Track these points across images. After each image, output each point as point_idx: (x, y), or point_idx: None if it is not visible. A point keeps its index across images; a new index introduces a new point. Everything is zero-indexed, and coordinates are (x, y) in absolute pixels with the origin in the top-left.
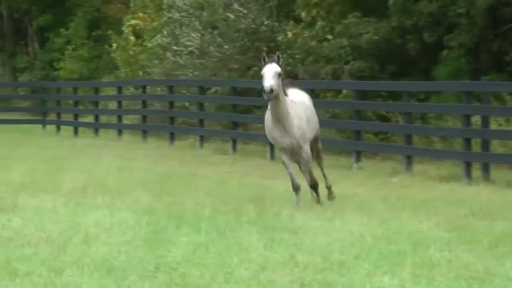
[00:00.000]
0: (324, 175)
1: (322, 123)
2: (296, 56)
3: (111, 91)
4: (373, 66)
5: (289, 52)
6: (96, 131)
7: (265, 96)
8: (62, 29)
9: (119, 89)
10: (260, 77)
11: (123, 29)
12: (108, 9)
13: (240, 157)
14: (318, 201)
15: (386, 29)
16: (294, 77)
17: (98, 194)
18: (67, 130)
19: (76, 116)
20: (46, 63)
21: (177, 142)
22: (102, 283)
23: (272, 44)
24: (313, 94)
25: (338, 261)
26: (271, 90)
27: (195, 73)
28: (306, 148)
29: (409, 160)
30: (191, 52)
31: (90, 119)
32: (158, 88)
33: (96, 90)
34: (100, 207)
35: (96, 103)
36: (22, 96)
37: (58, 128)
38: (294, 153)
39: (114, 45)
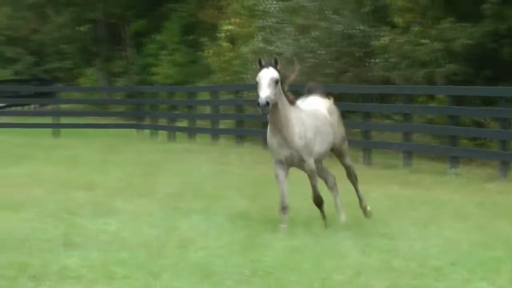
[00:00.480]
0: (359, 197)
1: (417, 128)
2: (391, 60)
3: (206, 96)
4: (467, 70)
5: (383, 56)
6: (191, 135)
7: (259, 110)
8: (156, 35)
9: (214, 94)
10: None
11: (217, 34)
12: (202, 14)
13: (334, 162)
14: (323, 218)
15: (480, 34)
16: (388, 82)
17: (194, 199)
18: (162, 134)
19: (171, 121)
20: (141, 68)
21: None
22: (199, 287)
23: (364, 50)
24: (408, 98)
25: (434, 267)
26: (267, 103)
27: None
28: (310, 162)
29: (505, 166)
30: (285, 58)
31: (185, 123)
32: (253, 94)
33: (191, 95)
34: (196, 211)
35: (191, 108)
36: (117, 101)
37: (153, 132)
38: (294, 166)
39: (211, 51)
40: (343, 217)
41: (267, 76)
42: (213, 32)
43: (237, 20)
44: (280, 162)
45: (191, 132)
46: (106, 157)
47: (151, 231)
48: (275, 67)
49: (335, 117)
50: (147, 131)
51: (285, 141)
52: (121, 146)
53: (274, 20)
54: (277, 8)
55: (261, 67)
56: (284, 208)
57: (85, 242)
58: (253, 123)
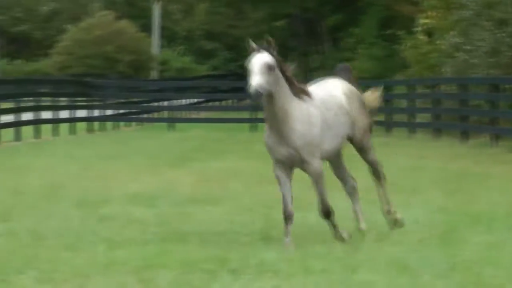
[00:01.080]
0: (385, 198)
1: None
2: None
3: (403, 90)
4: None
5: None
6: (388, 129)
7: (251, 99)
8: (353, 29)
9: (410, 88)
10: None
11: (414, 28)
12: (399, 8)
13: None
14: (335, 235)
15: None
16: None
17: (391, 193)
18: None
19: None
20: (338, 62)
21: (470, 141)
22: (396, 281)
23: None
24: None
25: None
26: (258, 92)
27: (490, 71)
28: (314, 164)
29: None
30: (484, 51)
31: (381, 117)
32: (449, 87)
33: (388, 89)
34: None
35: (387, 102)
36: None
37: None
38: (297, 167)
39: (408, 44)
40: (363, 225)
41: (259, 62)
42: (410, 25)
43: (434, 13)
44: (279, 161)
45: (388, 126)
46: None
47: (347, 225)
48: (270, 51)
49: (355, 105)
50: None
51: (281, 137)
52: None
53: (471, 13)
54: (473, 2)
55: (253, 50)
56: (287, 218)
57: (283, 236)
58: (450, 117)
